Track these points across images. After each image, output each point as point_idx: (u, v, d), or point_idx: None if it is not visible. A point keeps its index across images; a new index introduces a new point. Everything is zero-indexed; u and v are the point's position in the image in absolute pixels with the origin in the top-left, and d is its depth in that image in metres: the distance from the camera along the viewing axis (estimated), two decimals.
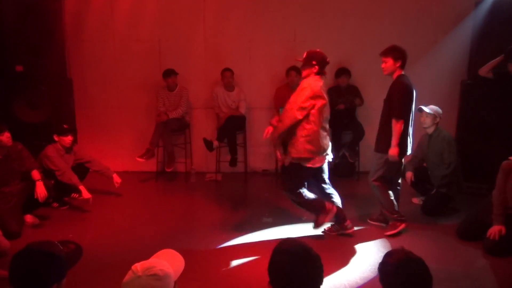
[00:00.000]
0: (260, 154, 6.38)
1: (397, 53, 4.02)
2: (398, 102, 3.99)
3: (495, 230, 3.84)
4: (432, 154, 4.79)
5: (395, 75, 4.09)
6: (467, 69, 5.69)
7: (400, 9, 5.92)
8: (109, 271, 3.45)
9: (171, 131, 5.88)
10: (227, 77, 5.85)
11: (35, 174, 4.44)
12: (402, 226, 4.22)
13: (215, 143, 5.74)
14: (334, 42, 6.02)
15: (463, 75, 5.77)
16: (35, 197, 4.36)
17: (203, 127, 6.29)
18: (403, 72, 4.08)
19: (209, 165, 6.27)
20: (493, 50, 5.05)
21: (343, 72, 5.88)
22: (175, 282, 1.75)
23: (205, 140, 5.66)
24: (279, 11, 5.99)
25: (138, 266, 1.66)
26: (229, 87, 5.93)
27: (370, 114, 6.13)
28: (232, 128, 5.84)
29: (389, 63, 4.05)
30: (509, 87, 4.90)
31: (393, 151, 4.00)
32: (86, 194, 4.71)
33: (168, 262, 1.77)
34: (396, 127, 3.97)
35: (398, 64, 4.03)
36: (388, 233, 4.22)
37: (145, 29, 6.06)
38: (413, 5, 5.91)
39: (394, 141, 3.99)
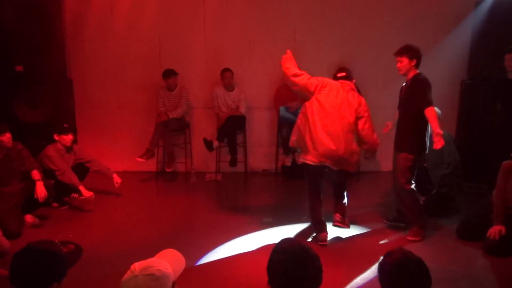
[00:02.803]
0: (260, 154, 6.38)
1: (411, 52, 3.97)
2: (423, 93, 3.89)
3: (495, 230, 3.83)
4: (432, 154, 4.77)
5: (410, 75, 4.02)
6: (467, 69, 5.70)
7: (400, 9, 5.92)
8: (109, 271, 3.45)
9: (171, 131, 5.88)
10: (227, 78, 5.85)
11: (35, 174, 4.44)
12: (422, 232, 4.14)
13: (215, 143, 5.74)
14: (334, 42, 6.03)
15: (463, 75, 5.77)
16: (35, 197, 4.36)
17: (203, 127, 6.29)
18: (418, 71, 4.02)
19: (209, 165, 6.27)
20: (493, 50, 5.06)
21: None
22: (174, 282, 1.75)
23: (205, 140, 5.66)
24: (279, 11, 5.99)
25: (136, 266, 1.66)
26: (229, 87, 5.93)
27: (370, 114, 6.12)
28: (232, 128, 5.84)
29: (404, 62, 3.99)
30: (508, 89, 4.90)
31: (438, 135, 3.76)
32: (86, 193, 4.71)
33: (169, 262, 1.76)
34: (431, 113, 3.83)
35: (413, 63, 3.97)
36: (411, 238, 4.11)
37: (145, 29, 6.06)
38: (413, 6, 5.91)
39: (437, 127, 3.77)
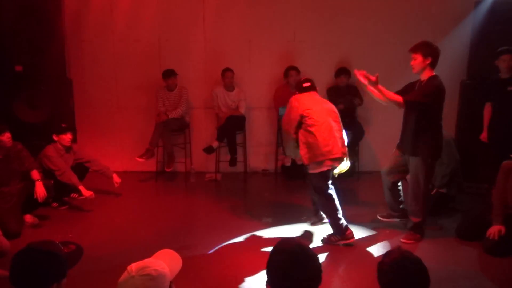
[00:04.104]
0: (260, 154, 6.38)
1: (427, 49, 3.77)
2: (420, 95, 3.74)
3: (494, 230, 3.83)
4: None
5: (425, 75, 3.82)
6: (467, 69, 5.70)
7: (400, 9, 5.92)
8: (108, 271, 3.44)
9: (171, 131, 5.88)
10: (229, 78, 5.86)
11: (35, 174, 4.44)
12: (419, 237, 4.11)
13: (215, 143, 5.76)
14: (334, 42, 6.03)
15: (463, 75, 5.77)
16: (35, 197, 4.36)
17: (203, 127, 6.29)
18: (434, 73, 3.83)
19: (208, 165, 6.27)
20: (492, 50, 5.05)
21: (342, 72, 5.88)
22: (171, 282, 1.75)
23: (205, 150, 5.74)
24: (279, 11, 5.98)
25: (133, 266, 1.66)
26: (230, 87, 5.93)
27: (370, 114, 6.14)
28: (232, 128, 5.84)
29: (418, 60, 3.78)
30: (501, 88, 4.91)
31: (375, 82, 3.71)
32: (86, 192, 4.72)
33: (166, 262, 1.77)
34: (394, 97, 3.75)
35: (428, 62, 3.77)
36: (405, 241, 4.07)
37: (145, 29, 6.06)
38: (413, 5, 5.90)
39: (384, 89, 3.73)
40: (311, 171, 3.98)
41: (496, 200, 3.92)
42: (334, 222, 4.03)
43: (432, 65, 3.83)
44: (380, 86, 3.76)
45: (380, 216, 4.54)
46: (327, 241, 4.07)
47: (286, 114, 4.11)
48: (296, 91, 4.25)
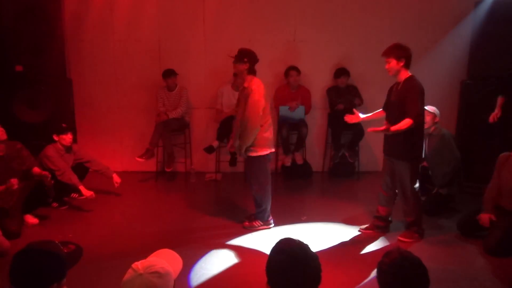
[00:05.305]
0: None
1: (399, 52, 3.82)
2: (415, 103, 3.75)
3: (485, 217, 3.96)
4: (432, 153, 4.78)
5: (402, 77, 3.86)
6: (467, 69, 5.70)
7: (400, 9, 5.92)
8: (108, 271, 3.45)
9: (171, 131, 5.88)
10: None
11: (36, 169, 4.47)
12: (417, 236, 4.12)
13: (216, 143, 5.76)
14: (334, 42, 6.04)
15: (463, 75, 5.78)
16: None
17: (203, 127, 6.29)
18: (410, 73, 3.87)
19: (209, 165, 6.27)
20: (493, 50, 5.06)
21: (342, 72, 5.89)
22: (174, 281, 1.76)
23: (205, 150, 5.74)
24: (279, 11, 5.99)
25: (138, 265, 1.67)
26: (239, 87, 5.93)
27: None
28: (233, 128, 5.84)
29: (392, 63, 3.83)
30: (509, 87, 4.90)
31: (387, 129, 3.77)
32: (86, 192, 4.73)
33: (167, 261, 1.78)
34: (407, 124, 3.72)
35: (401, 63, 3.81)
36: (403, 239, 4.09)
37: (145, 29, 6.06)
38: (413, 5, 5.91)
39: (395, 128, 3.75)
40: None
41: (488, 190, 4.05)
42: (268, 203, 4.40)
43: (406, 66, 3.88)
44: (392, 128, 3.80)
45: (361, 230, 4.38)
46: (250, 227, 4.42)
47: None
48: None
